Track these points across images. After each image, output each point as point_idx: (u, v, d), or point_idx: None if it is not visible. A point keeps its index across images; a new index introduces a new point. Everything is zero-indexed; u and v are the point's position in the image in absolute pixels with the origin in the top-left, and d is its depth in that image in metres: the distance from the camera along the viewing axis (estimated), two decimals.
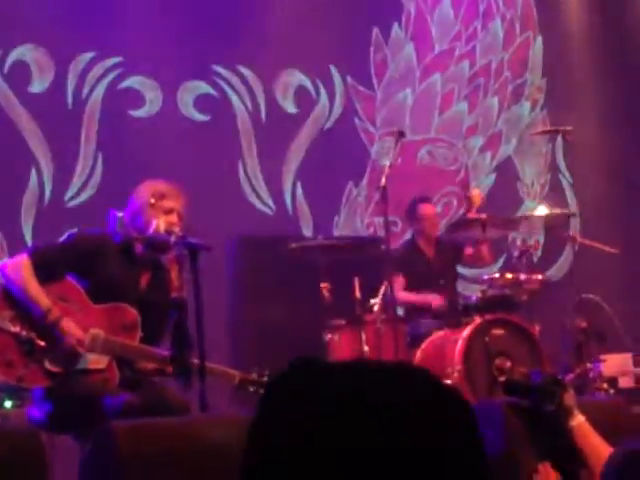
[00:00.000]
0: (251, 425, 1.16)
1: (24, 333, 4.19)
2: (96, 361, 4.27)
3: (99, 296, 4.36)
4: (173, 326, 4.28)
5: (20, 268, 4.26)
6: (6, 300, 4.24)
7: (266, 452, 1.12)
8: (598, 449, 2.63)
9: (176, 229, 4.40)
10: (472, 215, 6.97)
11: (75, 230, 4.47)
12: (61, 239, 4.45)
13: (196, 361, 4.08)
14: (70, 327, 4.22)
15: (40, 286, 4.24)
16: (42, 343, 4.19)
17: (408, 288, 7.09)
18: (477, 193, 7.14)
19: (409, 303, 7.01)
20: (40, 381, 4.23)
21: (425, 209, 7.24)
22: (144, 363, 4.39)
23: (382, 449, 1.08)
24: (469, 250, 7.25)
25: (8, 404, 5.69)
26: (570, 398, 2.71)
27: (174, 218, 4.47)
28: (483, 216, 6.80)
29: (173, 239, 4.31)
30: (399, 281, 6.95)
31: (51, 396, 4.25)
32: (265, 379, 4.44)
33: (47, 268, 4.29)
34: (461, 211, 8.73)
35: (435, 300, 6.83)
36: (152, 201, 4.47)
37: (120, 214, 4.46)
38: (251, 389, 4.45)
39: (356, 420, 1.09)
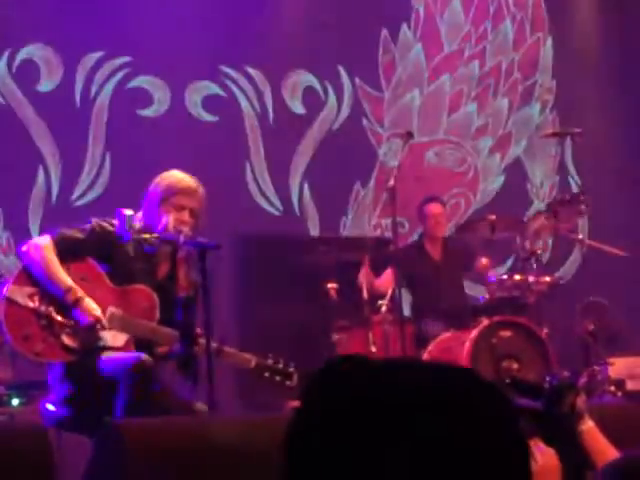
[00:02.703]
0: (294, 421, 1.16)
1: (42, 308, 4.20)
2: (114, 339, 4.26)
3: (118, 281, 4.37)
4: (180, 324, 4.27)
5: (42, 248, 4.28)
6: (28, 277, 4.26)
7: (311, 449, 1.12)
8: (606, 454, 2.62)
9: (185, 228, 4.36)
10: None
11: (95, 219, 4.45)
12: (82, 225, 4.44)
13: (213, 344, 4.08)
14: (90, 307, 4.22)
15: (61, 266, 4.26)
16: (60, 318, 4.19)
17: (412, 287, 7.07)
18: (485, 262, 7.02)
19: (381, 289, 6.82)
20: (57, 356, 4.22)
21: (430, 208, 7.21)
22: (162, 348, 4.37)
23: (430, 447, 1.08)
24: (483, 261, 7.13)
25: (15, 402, 5.69)
26: (582, 402, 2.70)
27: (185, 216, 4.40)
28: (492, 217, 6.78)
29: (182, 239, 4.30)
30: (388, 273, 6.83)
31: (71, 375, 4.24)
32: (280, 366, 4.44)
33: (69, 251, 4.31)
34: (469, 212, 8.72)
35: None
36: (164, 196, 4.43)
37: (129, 213, 4.43)
38: (266, 374, 4.44)
39: (406, 416, 1.09)
